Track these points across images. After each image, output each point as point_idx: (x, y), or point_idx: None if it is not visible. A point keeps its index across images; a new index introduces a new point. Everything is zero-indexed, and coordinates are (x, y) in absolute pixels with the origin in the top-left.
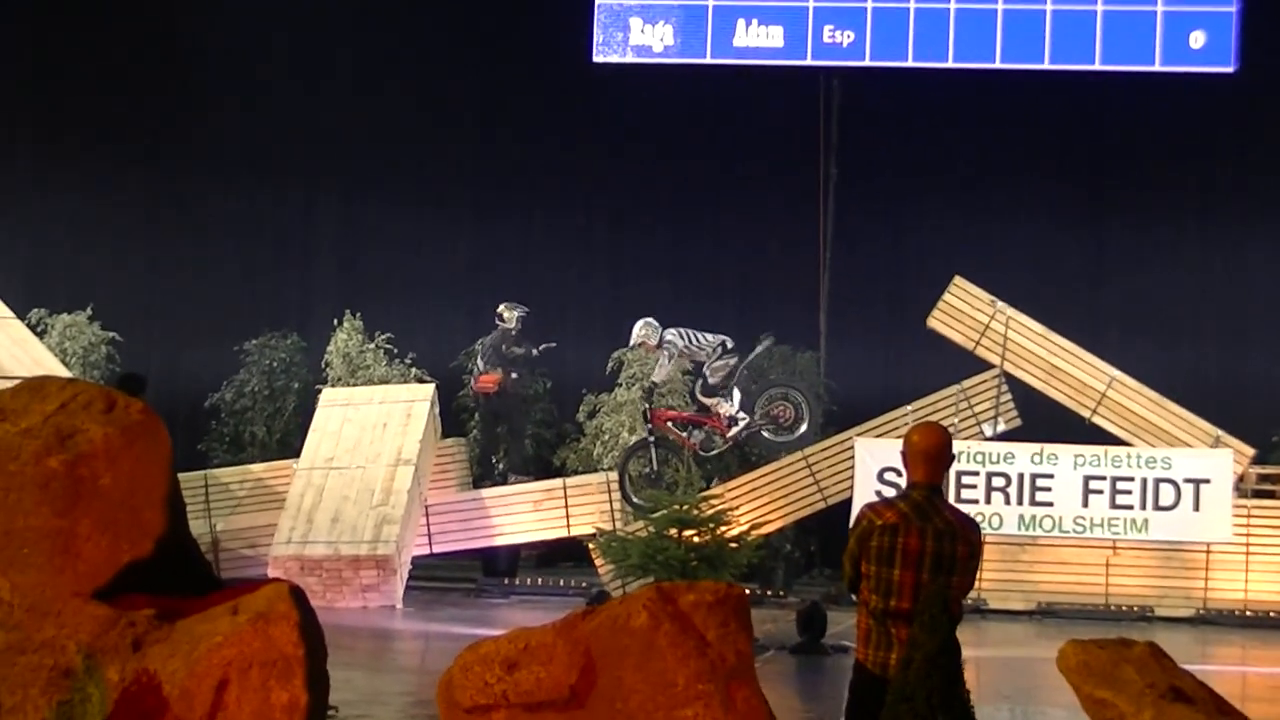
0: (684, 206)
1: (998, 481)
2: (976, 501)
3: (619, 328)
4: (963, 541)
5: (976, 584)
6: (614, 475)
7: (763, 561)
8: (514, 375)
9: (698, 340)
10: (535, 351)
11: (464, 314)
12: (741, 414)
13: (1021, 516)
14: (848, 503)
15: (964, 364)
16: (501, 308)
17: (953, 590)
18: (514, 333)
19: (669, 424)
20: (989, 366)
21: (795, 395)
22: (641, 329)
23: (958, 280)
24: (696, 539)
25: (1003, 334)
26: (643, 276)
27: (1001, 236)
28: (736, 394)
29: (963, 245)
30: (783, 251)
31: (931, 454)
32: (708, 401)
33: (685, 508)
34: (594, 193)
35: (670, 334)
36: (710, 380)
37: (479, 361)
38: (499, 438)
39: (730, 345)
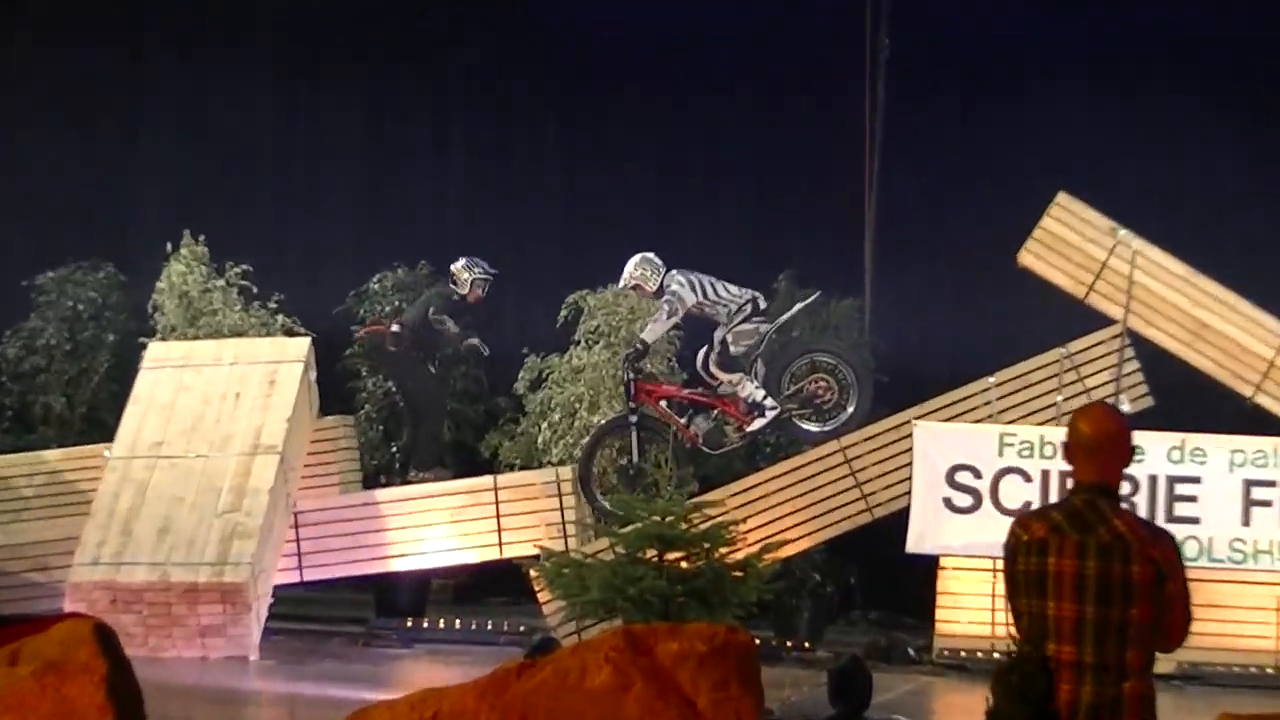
0: (675, 108)
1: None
2: None
3: (577, 265)
4: (1140, 560)
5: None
6: (569, 471)
7: (780, 598)
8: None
9: (717, 291)
10: (463, 343)
11: (356, 243)
12: (769, 400)
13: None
14: (902, 515)
15: (1071, 317)
16: (458, 265)
17: (1132, 628)
18: (459, 300)
19: (662, 403)
20: (1108, 322)
21: (836, 363)
22: (638, 267)
23: (1063, 199)
24: (685, 564)
25: (1127, 275)
26: (613, 201)
27: (1120, 146)
28: (761, 367)
29: (1066, 156)
30: (811, 159)
31: (1099, 445)
32: (724, 378)
33: (671, 519)
34: (550, 89)
35: (678, 279)
36: (732, 348)
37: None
38: (402, 416)
39: (763, 304)
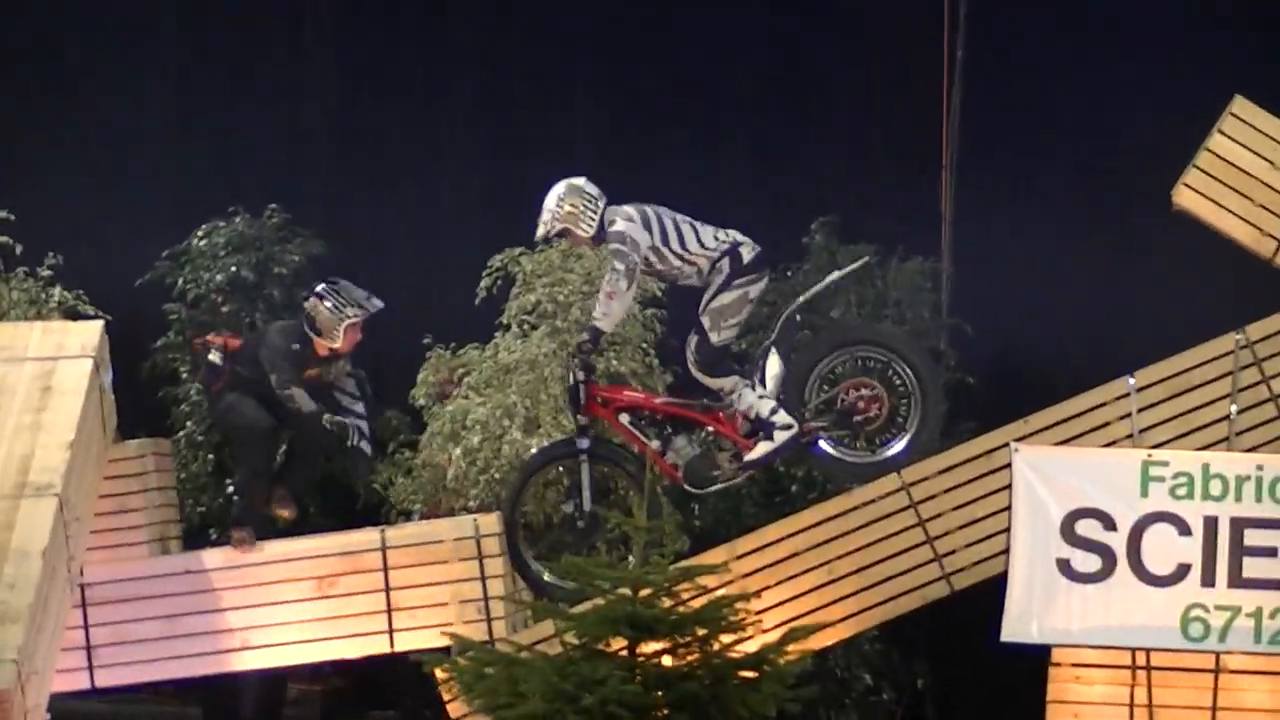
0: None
1: None
2: (1277, 585)
3: (505, 212)
4: None
5: None
6: (490, 520)
7: (814, 710)
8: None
9: (684, 239)
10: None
11: (173, 186)
12: (780, 415)
13: None
14: (996, 585)
15: (1249, 288)
16: (320, 305)
17: None
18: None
19: (623, 416)
20: None
21: (890, 361)
22: (564, 199)
23: (1241, 106)
24: (670, 660)
25: None
26: (555, 120)
27: None
28: (775, 361)
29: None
30: (863, 58)
31: None
32: (711, 383)
33: (647, 593)
34: None
35: (625, 213)
36: (717, 336)
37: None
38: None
39: (754, 254)
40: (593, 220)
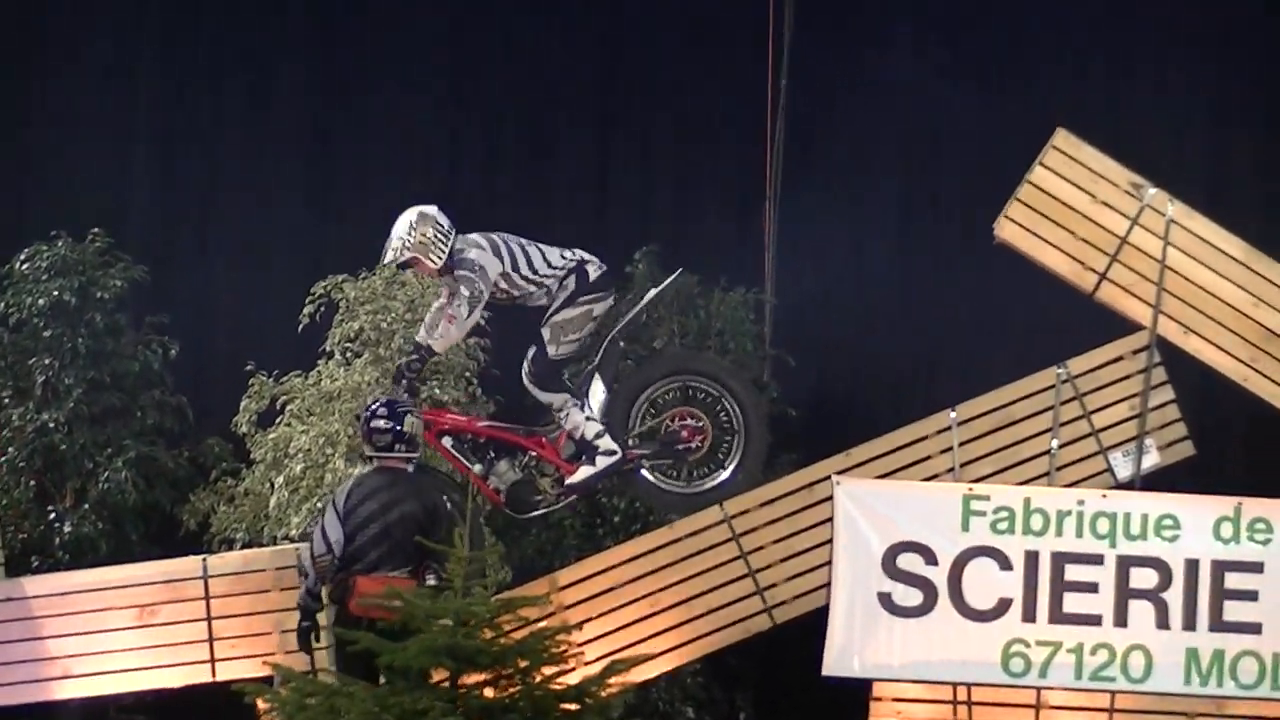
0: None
1: (1143, 578)
2: (1099, 619)
3: (330, 238)
4: None
5: None
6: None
7: None
8: None
9: (532, 263)
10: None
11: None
12: (605, 440)
13: (1194, 653)
14: (818, 618)
15: (1072, 320)
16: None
17: None
18: None
19: (445, 441)
20: (1128, 328)
21: (718, 393)
22: (415, 227)
23: (1062, 139)
24: (491, 691)
25: (1159, 258)
26: (380, 143)
27: (1115, 83)
28: (598, 387)
29: (1044, 90)
30: (689, 87)
31: None
32: (542, 397)
33: (469, 625)
34: None
35: (476, 242)
36: (551, 348)
37: None
38: (65, 463)
39: (600, 272)
40: (443, 250)
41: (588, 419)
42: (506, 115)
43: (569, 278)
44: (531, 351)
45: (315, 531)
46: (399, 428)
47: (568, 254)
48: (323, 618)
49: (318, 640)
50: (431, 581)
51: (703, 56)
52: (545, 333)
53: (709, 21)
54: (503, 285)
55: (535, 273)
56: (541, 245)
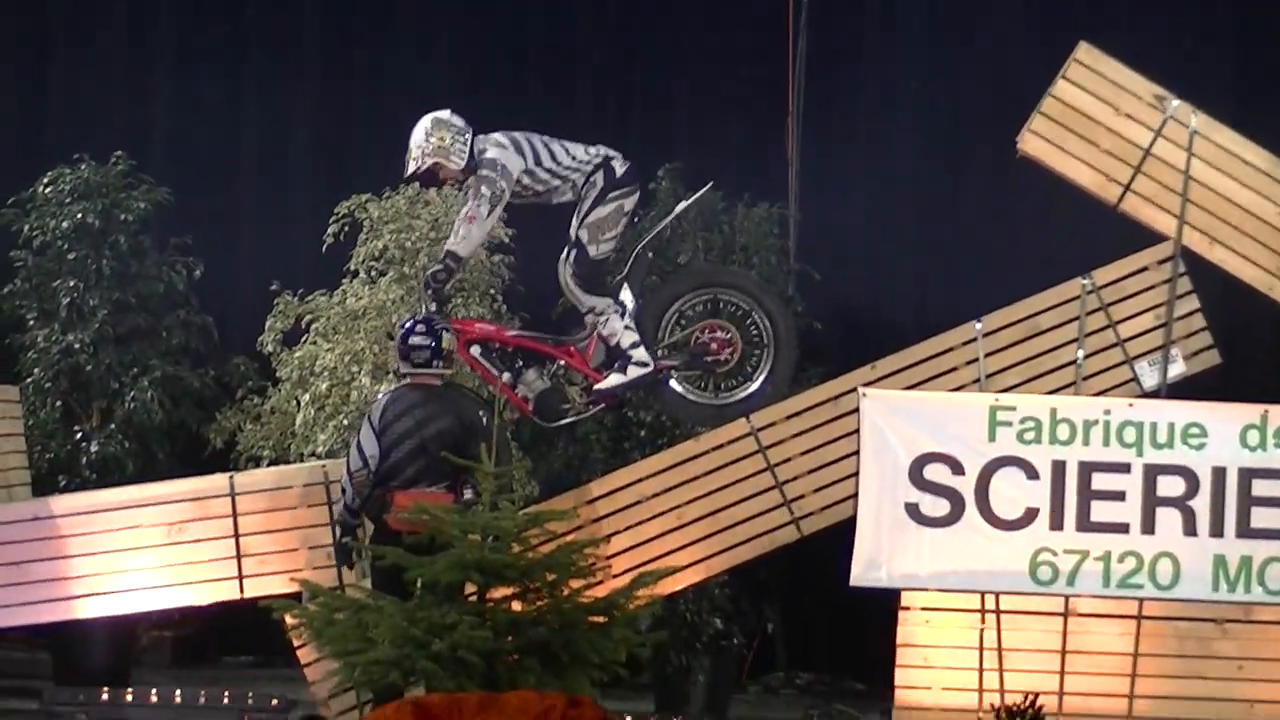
0: None
1: (1170, 486)
2: (1126, 527)
3: (350, 156)
4: None
5: None
6: (339, 466)
7: (664, 654)
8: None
9: (555, 156)
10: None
11: (14, 129)
12: (639, 351)
13: (1222, 560)
14: (845, 530)
15: (1095, 233)
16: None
17: None
18: None
19: (473, 349)
20: (1152, 239)
21: (748, 306)
22: (432, 132)
23: (1084, 53)
24: (519, 605)
25: (1182, 168)
26: (398, 60)
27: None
28: (627, 298)
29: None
30: (704, 21)
31: None
32: (585, 301)
33: (496, 539)
34: None
35: (496, 141)
36: (591, 248)
37: None
38: (91, 383)
39: (625, 167)
40: (463, 151)
41: (625, 327)
42: (528, 31)
43: (595, 174)
44: (571, 253)
45: (351, 447)
46: (436, 344)
47: (591, 150)
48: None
49: (359, 556)
50: (468, 496)
51: None
52: (583, 234)
53: None
54: (525, 181)
55: (559, 164)
56: (564, 141)
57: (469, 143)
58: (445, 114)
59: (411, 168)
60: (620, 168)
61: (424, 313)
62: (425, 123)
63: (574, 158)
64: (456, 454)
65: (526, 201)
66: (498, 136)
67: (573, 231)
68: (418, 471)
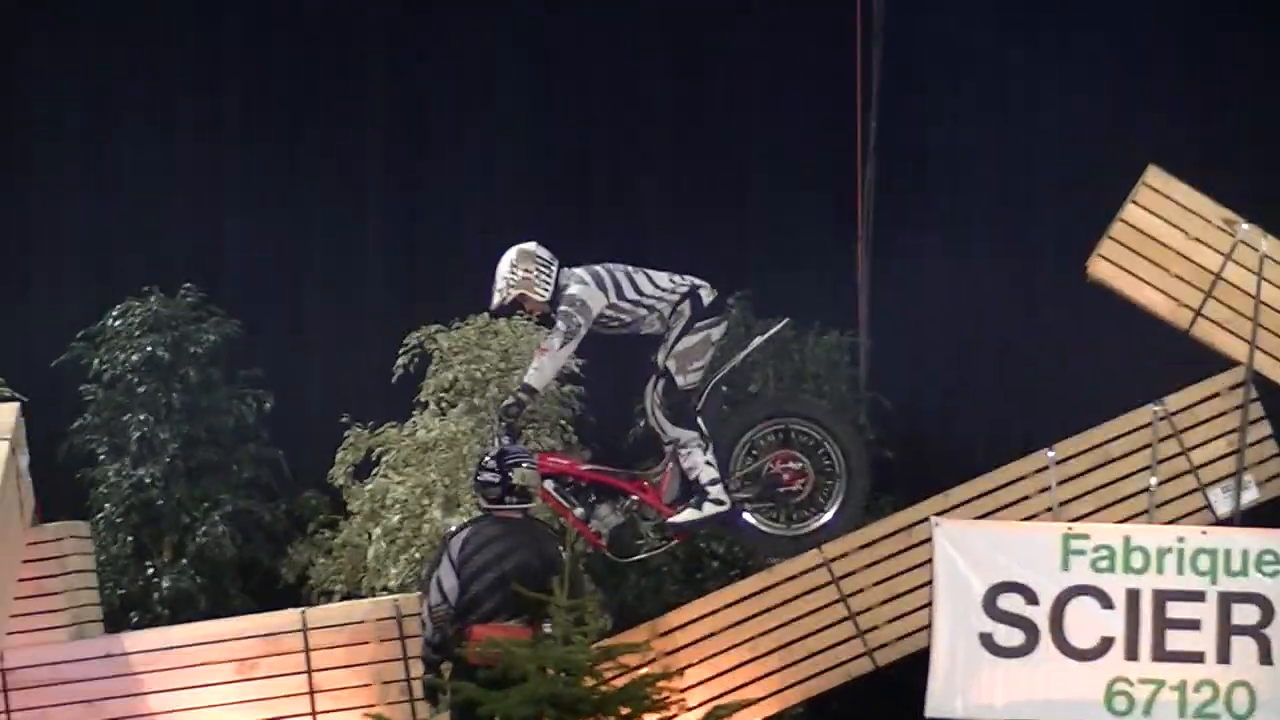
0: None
1: (1245, 614)
2: (1202, 656)
3: (423, 289)
4: None
5: None
6: (411, 600)
7: None
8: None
9: (638, 287)
10: None
11: (86, 264)
12: (717, 488)
13: None
14: (919, 661)
15: (1168, 358)
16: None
17: None
18: None
19: (547, 484)
20: (1224, 364)
21: (820, 436)
22: (518, 264)
23: (1154, 176)
24: None
25: (1254, 293)
26: (470, 194)
27: (1204, 118)
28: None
29: (1135, 127)
30: (777, 123)
31: None
32: (671, 432)
33: (570, 673)
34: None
35: (579, 277)
36: (683, 380)
37: None
38: (162, 517)
39: (712, 297)
40: (548, 284)
41: (706, 463)
42: (594, 162)
43: (683, 303)
44: (660, 384)
45: (430, 583)
46: (505, 479)
47: (677, 278)
48: (419, 667)
49: (444, 693)
50: (547, 629)
51: (790, 97)
52: (671, 364)
53: (796, 62)
54: (609, 314)
55: (643, 295)
56: (648, 270)
57: (554, 275)
58: (531, 246)
59: (496, 299)
60: (707, 297)
61: (503, 445)
62: (511, 254)
63: (659, 288)
64: (536, 588)
65: (614, 332)
66: (580, 272)
67: (660, 361)
68: (496, 605)
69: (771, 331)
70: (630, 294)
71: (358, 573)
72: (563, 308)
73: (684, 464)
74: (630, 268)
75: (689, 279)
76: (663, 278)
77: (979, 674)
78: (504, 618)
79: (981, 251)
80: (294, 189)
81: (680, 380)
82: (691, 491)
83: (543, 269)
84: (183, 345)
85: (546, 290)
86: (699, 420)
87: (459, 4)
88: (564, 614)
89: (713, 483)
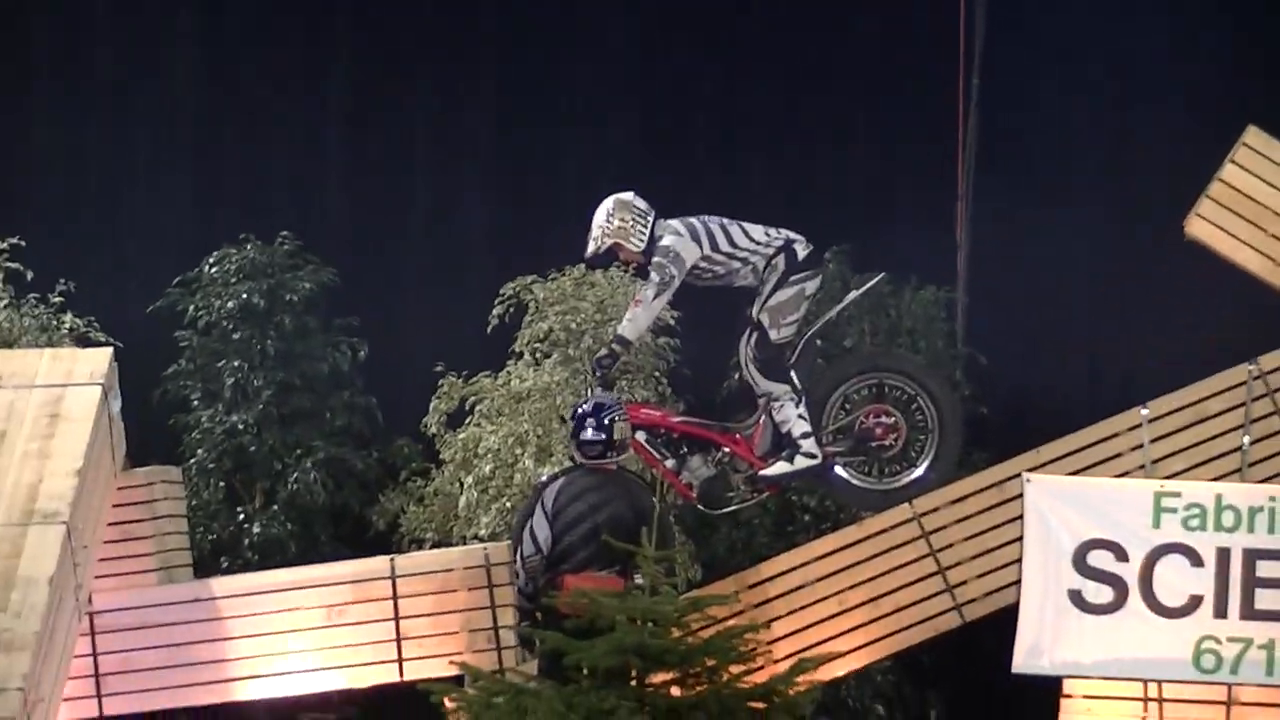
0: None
1: None
2: None
3: (518, 239)
4: None
5: None
6: (501, 549)
7: None
8: None
9: (733, 239)
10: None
11: (184, 212)
12: (809, 442)
13: None
14: (1008, 616)
15: (1266, 317)
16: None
17: None
18: None
19: (639, 436)
20: None
21: (914, 392)
22: (614, 214)
23: (1253, 137)
24: (679, 690)
25: None
26: (568, 148)
27: None
28: (796, 382)
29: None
30: (875, 81)
31: None
32: (764, 386)
33: (656, 623)
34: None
35: (673, 228)
36: (772, 332)
37: None
38: (254, 463)
39: (807, 251)
40: (643, 234)
41: (799, 416)
42: (696, 113)
43: (777, 256)
44: (753, 337)
45: (524, 533)
46: (609, 437)
47: (772, 232)
48: (506, 616)
49: (537, 643)
50: (639, 580)
51: (894, 54)
52: (764, 318)
53: (901, 18)
54: (703, 266)
55: (737, 248)
56: (744, 223)
57: (650, 226)
58: (628, 196)
59: (591, 248)
60: (802, 251)
61: (596, 397)
62: (608, 204)
63: (754, 240)
64: (630, 539)
65: (708, 284)
66: (675, 224)
67: (754, 314)
68: (590, 556)
69: (868, 286)
70: (725, 246)
71: (448, 521)
72: (656, 259)
73: (776, 417)
74: (725, 220)
75: (784, 232)
76: (758, 230)
77: (1067, 630)
78: (597, 568)
79: (1080, 209)
80: (391, 138)
81: (774, 334)
82: (783, 445)
83: (638, 219)
84: (278, 292)
85: (641, 240)
86: (792, 374)
87: None
88: (652, 565)
89: (804, 436)
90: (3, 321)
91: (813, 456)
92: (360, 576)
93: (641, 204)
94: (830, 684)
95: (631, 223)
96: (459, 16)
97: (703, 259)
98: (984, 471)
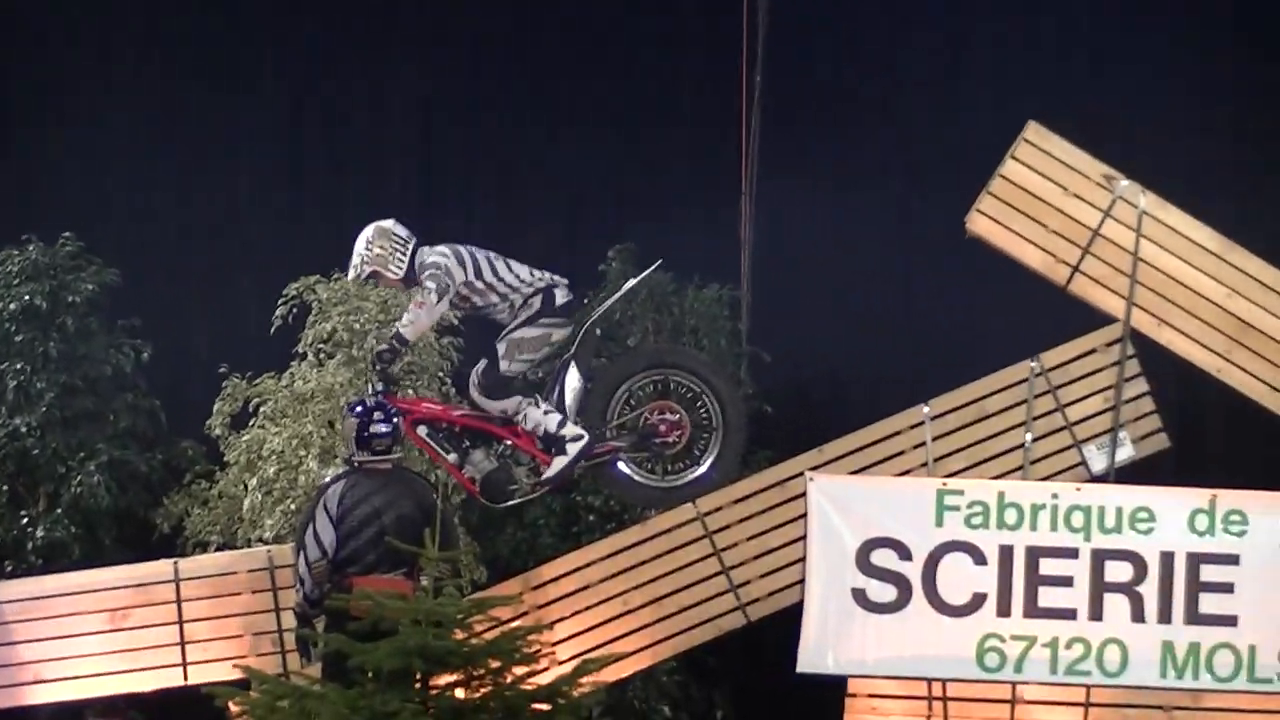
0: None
1: (1118, 571)
2: (1074, 613)
3: (302, 239)
4: None
5: None
6: (285, 551)
7: None
8: None
9: (496, 272)
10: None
11: None
12: (569, 428)
13: (1170, 646)
14: (792, 615)
15: (1045, 313)
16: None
17: None
18: None
19: (420, 429)
20: (1101, 321)
21: (698, 388)
22: (373, 242)
23: (1033, 132)
24: (463, 692)
25: (1131, 249)
26: (352, 146)
27: (1090, 74)
28: (574, 376)
29: (1020, 83)
30: (661, 78)
31: None
32: (490, 406)
33: (440, 625)
34: None
35: (440, 252)
36: (506, 365)
37: None
38: (38, 468)
39: (567, 299)
40: (402, 262)
41: (546, 413)
42: (478, 111)
43: (535, 297)
44: (482, 365)
45: (307, 537)
46: (396, 430)
47: (537, 273)
48: (291, 619)
49: (314, 645)
50: (425, 582)
51: (676, 51)
52: (500, 347)
53: (683, 15)
54: (464, 293)
55: (500, 280)
56: (511, 260)
57: (410, 254)
58: (388, 223)
59: (352, 274)
60: (562, 297)
61: (370, 396)
62: (368, 231)
63: (517, 277)
64: (418, 539)
65: (464, 313)
66: (441, 248)
67: (501, 341)
68: (378, 558)
69: (645, 274)
70: (488, 276)
71: (233, 524)
72: (428, 272)
73: (526, 428)
74: (493, 253)
75: (548, 275)
76: (524, 270)
77: (851, 629)
78: (384, 570)
79: (864, 207)
80: (174, 136)
81: (504, 364)
82: (551, 443)
83: (398, 247)
84: (60, 294)
85: (400, 268)
86: (568, 366)
87: None
88: (435, 566)
89: (561, 425)
90: None
91: (579, 437)
92: (144, 580)
93: (402, 231)
94: (615, 685)
95: (390, 251)
96: (242, 15)
97: (464, 284)
98: (767, 470)
